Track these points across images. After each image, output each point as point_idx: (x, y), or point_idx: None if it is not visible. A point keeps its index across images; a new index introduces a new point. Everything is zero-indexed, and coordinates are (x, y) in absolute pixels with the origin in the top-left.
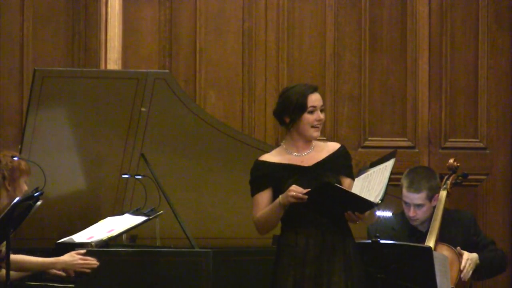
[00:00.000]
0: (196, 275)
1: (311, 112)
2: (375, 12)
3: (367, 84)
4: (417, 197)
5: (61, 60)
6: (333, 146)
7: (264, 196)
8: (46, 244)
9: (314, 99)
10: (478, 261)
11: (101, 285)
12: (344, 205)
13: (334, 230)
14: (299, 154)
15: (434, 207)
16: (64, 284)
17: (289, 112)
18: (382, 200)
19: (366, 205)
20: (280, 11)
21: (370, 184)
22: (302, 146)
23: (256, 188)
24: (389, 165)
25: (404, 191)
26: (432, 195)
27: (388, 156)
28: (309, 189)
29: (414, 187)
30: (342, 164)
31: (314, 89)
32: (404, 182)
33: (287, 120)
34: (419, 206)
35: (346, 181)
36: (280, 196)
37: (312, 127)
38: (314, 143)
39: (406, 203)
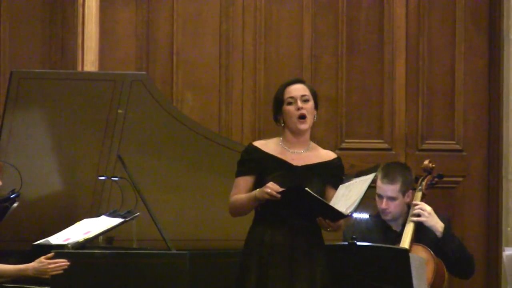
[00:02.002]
0: (173, 277)
1: (290, 104)
2: (352, 14)
3: (344, 86)
4: (391, 189)
5: (38, 62)
6: (328, 154)
7: (246, 181)
8: (22, 246)
9: (291, 89)
10: (440, 229)
11: (77, 287)
12: (315, 210)
13: (303, 232)
14: (292, 151)
15: (406, 205)
16: (40, 286)
17: (274, 108)
18: (352, 212)
19: (336, 215)
20: (257, 13)
21: (349, 193)
22: (296, 144)
23: (241, 171)
24: (369, 178)
25: (379, 182)
26: (405, 189)
27: (372, 169)
28: (283, 189)
29: (388, 178)
30: (333, 175)
31: (295, 81)
32: (379, 174)
33: (277, 116)
34: (391, 199)
35: (331, 192)
36: (258, 189)
37: (296, 118)
38: (311, 145)
39: (379, 195)
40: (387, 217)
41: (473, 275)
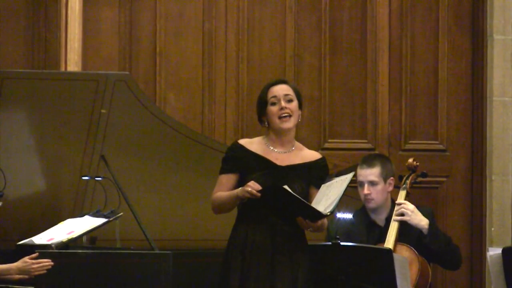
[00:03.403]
0: (156, 277)
1: (274, 104)
2: (335, 14)
3: (327, 86)
4: (370, 172)
5: (21, 62)
6: (312, 155)
7: (229, 179)
8: (6, 246)
9: (274, 90)
10: (426, 226)
11: (61, 287)
12: (295, 210)
13: (285, 232)
14: (276, 151)
15: (389, 194)
16: (24, 286)
17: (258, 109)
18: (331, 212)
19: (315, 214)
20: (240, 12)
21: (329, 193)
22: (281, 144)
23: (225, 168)
24: (348, 178)
25: (358, 170)
26: (386, 174)
27: (350, 169)
28: (263, 188)
29: (367, 163)
30: (317, 176)
31: (278, 82)
32: (359, 162)
33: (261, 116)
34: (372, 184)
35: (315, 192)
36: (240, 188)
37: (279, 118)
38: (296, 145)
39: (360, 183)
40: (371, 205)
41: (461, 265)
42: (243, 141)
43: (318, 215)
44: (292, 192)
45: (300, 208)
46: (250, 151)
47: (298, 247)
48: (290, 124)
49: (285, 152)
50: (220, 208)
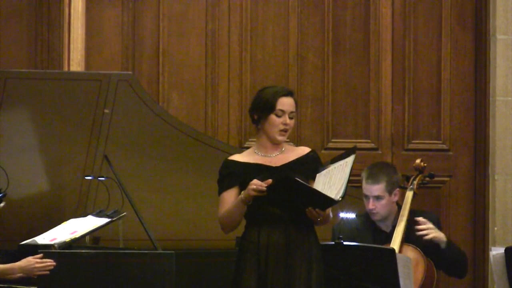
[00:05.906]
0: (159, 277)
1: (279, 116)
2: (338, 14)
3: (330, 85)
4: (375, 188)
5: (24, 62)
6: (303, 150)
7: (231, 195)
8: (9, 246)
9: (285, 102)
10: (444, 239)
11: (64, 287)
12: (305, 201)
13: (298, 229)
14: (267, 155)
15: (394, 203)
16: (26, 286)
17: (258, 110)
18: (343, 197)
19: (326, 202)
20: (243, 12)
21: (331, 181)
22: (271, 148)
23: (223, 186)
24: (349, 161)
25: (363, 183)
26: (391, 188)
27: (348, 152)
28: (270, 182)
29: (372, 178)
30: (312, 168)
31: (288, 93)
32: (364, 175)
33: (255, 117)
34: (378, 198)
35: (313, 185)
36: (242, 192)
37: (278, 130)
38: (284, 146)
39: (365, 196)
40: (376, 218)
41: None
42: (233, 157)
43: (330, 201)
44: (301, 181)
45: (310, 197)
46: (244, 163)
47: (312, 241)
48: (285, 138)
49: (277, 154)
50: (229, 221)
